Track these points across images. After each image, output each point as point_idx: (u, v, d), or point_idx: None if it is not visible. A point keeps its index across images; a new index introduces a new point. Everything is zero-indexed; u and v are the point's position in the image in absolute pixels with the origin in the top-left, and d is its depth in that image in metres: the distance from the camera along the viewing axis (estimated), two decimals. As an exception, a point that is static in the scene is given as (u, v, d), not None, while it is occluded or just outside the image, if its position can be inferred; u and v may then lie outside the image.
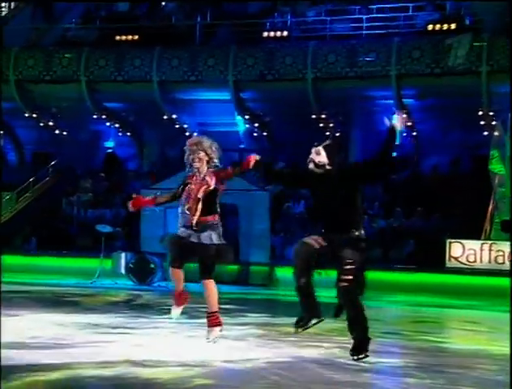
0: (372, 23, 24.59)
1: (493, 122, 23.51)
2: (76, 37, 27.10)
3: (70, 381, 6.14)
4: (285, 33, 24.93)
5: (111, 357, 7.13)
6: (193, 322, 10.53)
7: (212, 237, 7.94)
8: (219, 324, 8.04)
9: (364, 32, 24.56)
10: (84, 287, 17.28)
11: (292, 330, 7.71)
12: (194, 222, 7.91)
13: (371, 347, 7.75)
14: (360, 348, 7.18)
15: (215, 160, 8.07)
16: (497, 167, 21.57)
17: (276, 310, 13.68)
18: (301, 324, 7.59)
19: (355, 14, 25.24)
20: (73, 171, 28.40)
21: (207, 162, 8.02)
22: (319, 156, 7.21)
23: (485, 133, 23.96)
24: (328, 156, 7.22)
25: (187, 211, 8.00)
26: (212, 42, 26.27)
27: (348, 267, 7.25)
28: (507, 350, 8.89)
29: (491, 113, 23.45)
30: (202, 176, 8.01)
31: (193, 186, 8.04)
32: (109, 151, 29.50)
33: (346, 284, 7.20)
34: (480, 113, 23.51)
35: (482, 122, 23.86)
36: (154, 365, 6.79)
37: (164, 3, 28.85)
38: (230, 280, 19.20)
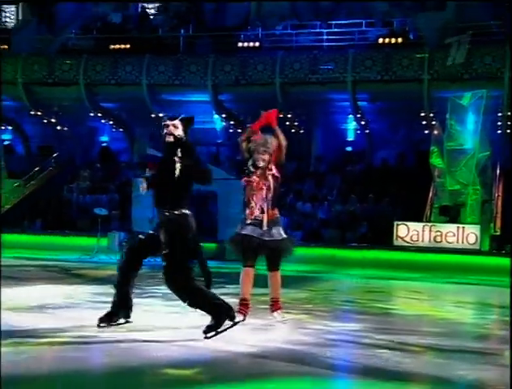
0: (331, 36, 24.60)
1: (433, 122, 23.70)
2: (76, 46, 26.88)
3: (78, 342, 6.19)
4: (257, 44, 24.88)
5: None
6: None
7: (281, 232, 7.31)
8: (280, 308, 7.51)
9: (324, 44, 24.57)
10: (85, 262, 17.31)
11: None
12: (266, 221, 7.22)
13: (334, 313, 7.88)
14: (211, 327, 6.41)
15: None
16: (436, 161, 21.68)
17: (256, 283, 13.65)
18: (107, 320, 6.77)
19: (316, 28, 25.25)
20: (72, 162, 28.27)
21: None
22: (177, 129, 6.51)
23: (426, 131, 24.17)
24: (184, 130, 6.56)
25: (258, 212, 7.22)
26: (194, 51, 26.16)
27: (164, 251, 6.46)
28: (446, 315, 9.12)
29: (431, 115, 23.66)
30: (265, 174, 7.20)
31: (256, 185, 7.22)
32: (104, 144, 29.36)
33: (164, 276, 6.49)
34: (422, 114, 23.70)
35: (423, 122, 24.07)
36: (146, 329, 6.82)
37: (152, 17, 28.65)
38: (209, 256, 19.25)
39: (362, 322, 7.79)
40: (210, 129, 26.93)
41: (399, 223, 19.83)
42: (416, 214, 21.30)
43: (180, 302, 9.11)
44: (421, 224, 19.85)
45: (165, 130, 6.52)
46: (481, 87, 21.39)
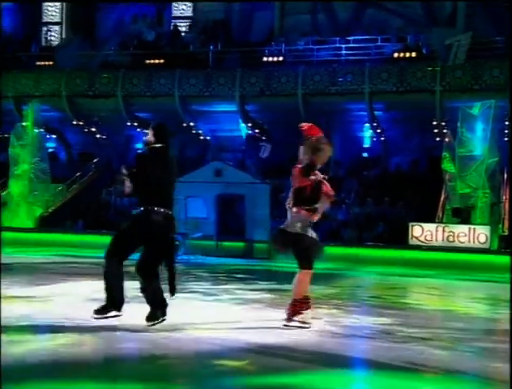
0: (349, 51, 24.52)
1: (444, 130, 23.54)
2: (114, 61, 26.95)
3: (132, 334, 6.16)
4: (281, 58, 24.81)
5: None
6: (219, 287, 10.58)
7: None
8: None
9: (342, 58, 24.48)
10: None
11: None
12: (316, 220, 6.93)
13: (363, 308, 7.82)
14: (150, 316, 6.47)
15: None
16: (448, 166, 21.53)
17: (279, 278, 13.64)
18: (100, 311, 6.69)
19: (336, 43, 25.15)
20: (110, 167, 28.34)
21: None
22: (147, 135, 6.62)
23: (438, 139, 24.00)
24: (155, 135, 6.62)
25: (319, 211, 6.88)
26: (222, 65, 26.16)
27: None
28: (466, 310, 9.03)
29: (442, 123, 23.46)
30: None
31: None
32: (139, 151, 29.40)
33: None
34: (434, 123, 23.52)
35: (435, 130, 23.88)
36: (194, 324, 6.79)
37: (183, 34, 28.67)
38: (238, 254, 19.27)
39: (391, 317, 7.76)
40: (236, 137, 26.94)
41: (414, 224, 19.70)
42: (428, 215, 21.16)
43: (219, 297, 9.15)
44: (435, 225, 19.70)
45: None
46: (490, 98, 21.20)
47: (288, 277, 12.73)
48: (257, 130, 26.11)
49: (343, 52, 24.53)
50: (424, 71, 22.91)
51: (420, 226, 19.59)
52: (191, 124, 26.23)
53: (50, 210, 25.13)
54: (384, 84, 23.08)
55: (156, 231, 6.45)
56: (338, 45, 24.86)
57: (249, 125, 25.85)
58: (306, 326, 6.50)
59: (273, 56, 24.96)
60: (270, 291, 10.28)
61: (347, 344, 5.85)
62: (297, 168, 6.80)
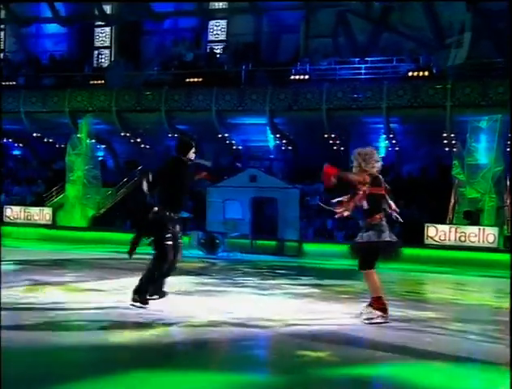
0: (368, 70, 24.28)
1: (453, 141, 23.27)
2: (157, 80, 26.89)
3: (211, 325, 6.01)
4: (306, 77, 24.61)
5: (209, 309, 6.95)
6: (268, 282, 10.44)
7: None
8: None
9: (362, 76, 24.25)
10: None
11: None
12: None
13: (405, 302, 7.60)
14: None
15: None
16: (457, 173, 21.32)
17: (316, 274, 13.45)
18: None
19: (355, 64, 24.92)
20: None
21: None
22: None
23: (446, 149, 23.73)
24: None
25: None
26: (253, 83, 26.03)
27: None
28: (498, 304, 8.80)
29: (452, 135, 23.19)
30: None
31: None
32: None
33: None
34: (444, 135, 23.26)
35: (445, 141, 23.61)
36: (258, 315, 6.67)
37: (218, 55, 28.58)
38: (271, 252, 19.12)
39: (434, 311, 7.59)
40: (264, 146, 26.82)
41: (429, 225, 19.47)
42: (439, 217, 20.89)
43: (273, 291, 8.98)
44: (448, 226, 19.45)
45: None
46: (495, 113, 20.98)
47: (322, 273, 12.55)
48: (284, 141, 25.92)
49: (363, 71, 24.25)
50: (436, 89, 22.65)
51: (435, 227, 19.35)
52: (226, 135, 26.11)
53: (102, 211, 25.14)
54: (400, 100, 22.83)
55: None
56: (357, 65, 24.60)
57: (277, 136, 25.67)
58: (383, 321, 6.26)
59: (299, 74, 24.75)
60: (314, 286, 10.13)
61: (411, 337, 5.66)
62: None
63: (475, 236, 18.80)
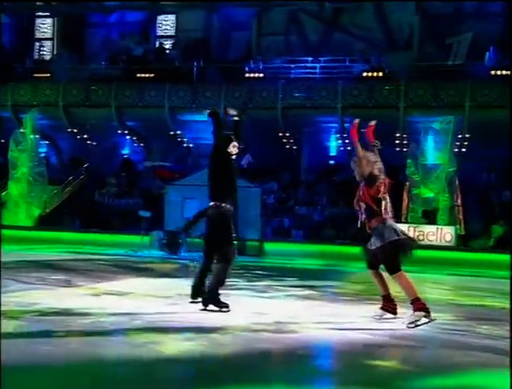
0: (322, 70, 24.45)
1: (405, 142, 23.79)
2: (106, 74, 26.15)
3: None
4: (261, 75, 24.54)
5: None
6: (258, 284, 10.30)
7: (375, 242, 6.77)
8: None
9: (317, 76, 24.39)
10: (134, 256, 16.66)
11: None
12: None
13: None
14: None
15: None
16: (412, 173, 21.80)
17: (295, 275, 13.26)
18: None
19: (308, 63, 25.02)
20: (99, 171, 27.57)
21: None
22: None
23: (397, 149, 24.20)
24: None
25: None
26: (204, 80, 25.74)
27: None
28: (500, 305, 8.97)
29: (404, 136, 23.68)
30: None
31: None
32: (125, 156, 28.68)
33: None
34: (397, 135, 23.70)
35: (397, 141, 24.05)
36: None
37: (168, 51, 28.11)
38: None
39: (452, 312, 7.63)
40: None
41: (388, 224, 19.73)
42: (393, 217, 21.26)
43: (271, 294, 8.87)
44: (406, 225, 19.74)
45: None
46: (446, 114, 21.59)
47: (303, 274, 12.42)
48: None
49: (317, 70, 24.41)
50: (390, 89, 23.08)
51: (394, 226, 19.65)
52: (178, 132, 25.73)
53: (48, 210, 24.25)
54: (354, 100, 23.14)
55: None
56: (312, 64, 24.73)
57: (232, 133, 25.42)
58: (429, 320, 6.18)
59: (253, 72, 24.66)
60: (307, 287, 10.07)
61: (457, 342, 5.67)
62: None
63: (433, 234, 19.29)
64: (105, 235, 21.38)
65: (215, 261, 7.02)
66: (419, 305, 6.25)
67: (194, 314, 6.68)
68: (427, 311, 6.21)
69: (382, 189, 6.83)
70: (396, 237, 6.57)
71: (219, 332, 5.67)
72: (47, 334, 5.28)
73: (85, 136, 26.71)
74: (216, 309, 6.70)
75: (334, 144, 26.41)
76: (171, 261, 15.71)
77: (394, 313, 6.69)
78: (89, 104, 25.12)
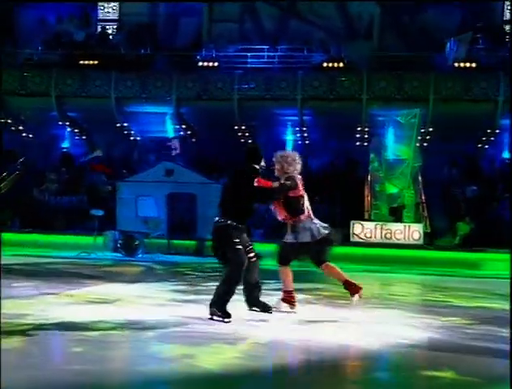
0: (280, 59, 24.43)
1: (366, 136, 24.10)
2: (42, 60, 25.28)
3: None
4: (216, 64, 24.30)
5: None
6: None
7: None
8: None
9: (275, 65, 24.34)
10: (87, 259, 16.16)
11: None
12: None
13: (416, 307, 7.62)
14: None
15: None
16: (375, 168, 22.12)
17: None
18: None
19: (264, 51, 24.91)
20: (35, 166, 26.70)
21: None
22: None
23: (357, 143, 24.53)
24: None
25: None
26: (153, 68, 25.29)
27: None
28: (494, 306, 9.17)
29: (366, 129, 23.96)
30: None
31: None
32: (65, 150, 27.88)
33: None
34: (359, 128, 23.96)
35: (358, 135, 24.34)
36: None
37: (111, 37, 27.47)
38: (190, 253, 18.71)
39: (455, 316, 7.71)
40: (163, 137, 26.21)
41: (355, 222, 19.98)
42: (356, 213, 21.48)
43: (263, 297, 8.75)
44: (373, 224, 20.04)
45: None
46: (410, 107, 21.97)
47: (274, 276, 12.36)
48: (189, 132, 25.46)
49: (276, 60, 24.37)
50: (352, 81, 23.29)
51: (361, 224, 19.91)
52: (124, 124, 25.20)
53: (-19, 209, 23.26)
54: (315, 91, 23.23)
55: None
56: (269, 53, 24.64)
57: (182, 126, 25.14)
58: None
59: (207, 61, 24.39)
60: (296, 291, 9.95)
61: (481, 348, 5.72)
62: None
63: (401, 233, 19.58)
64: (49, 236, 20.71)
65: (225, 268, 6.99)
66: (289, 297, 7.52)
67: (204, 322, 6.54)
68: (293, 305, 7.51)
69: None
70: (327, 232, 7.33)
71: (247, 343, 5.55)
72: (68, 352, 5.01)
73: (20, 128, 25.78)
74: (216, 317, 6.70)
75: (290, 138, 26.46)
76: (132, 264, 15.34)
77: (292, 307, 7.56)
78: (25, 92, 24.23)
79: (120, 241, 17.67)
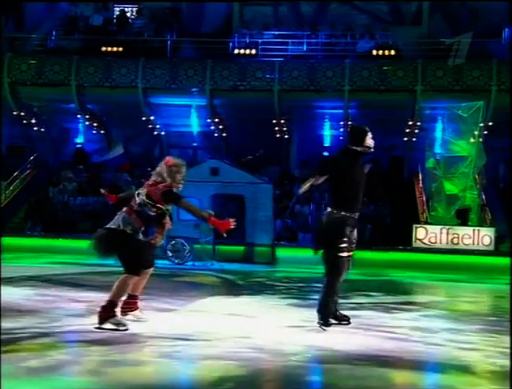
0: (324, 46, 24.49)
1: (416, 131, 24.20)
2: (58, 47, 25.25)
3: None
4: (253, 51, 24.32)
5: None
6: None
7: None
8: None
9: (318, 53, 24.39)
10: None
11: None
12: None
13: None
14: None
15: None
16: (432, 166, 22.27)
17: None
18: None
19: (303, 38, 24.93)
20: (47, 164, 26.67)
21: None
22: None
23: (405, 139, 24.64)
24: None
25: None
26: (180, 55, 25.36)
27: None
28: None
29: (417, 124, 24.03)
30: None
31: None
32: (78, 146, 27.83)
33: None
34: (410, 123, 24.03)
35: (407, 130, 24.41)
36: None
37: (131, 21, 27.46)
38: (238, 260, 18.70)
39: (472, 324, 7.95)
40: (186, 132, 26.28)
41: (418, 226, 20.10)
42: (406, 215, 21.59)
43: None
44: (439, 228, 20.10)
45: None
46: (470, 99, 22.07)
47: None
48: (220, 127, 25.43)
49: (319, 47, 24.42)
50: (405, 70, 23.35)
51: (425, 228, 20.02)
52: (151, 118, 25.20)
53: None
54: (364, 82, 23.29)
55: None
56: (311, 40, 24.66)
57: (215, 120, 25.09)
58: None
59: (243, 48, 24.41)
60: (370, 303, 10.04)
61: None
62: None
63: (470, 238, 19.68)
64: (76, 241, 20.55)
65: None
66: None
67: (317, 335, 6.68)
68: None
69: None
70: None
71: (297, 357, 5.73)
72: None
73: (33, 121, 25.72)
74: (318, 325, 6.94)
75: (327, 133, 26.53)
76: (199, 273, 15.24)
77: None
78: (42, 82, 24.17)
79: (170, 248, 17.66)
